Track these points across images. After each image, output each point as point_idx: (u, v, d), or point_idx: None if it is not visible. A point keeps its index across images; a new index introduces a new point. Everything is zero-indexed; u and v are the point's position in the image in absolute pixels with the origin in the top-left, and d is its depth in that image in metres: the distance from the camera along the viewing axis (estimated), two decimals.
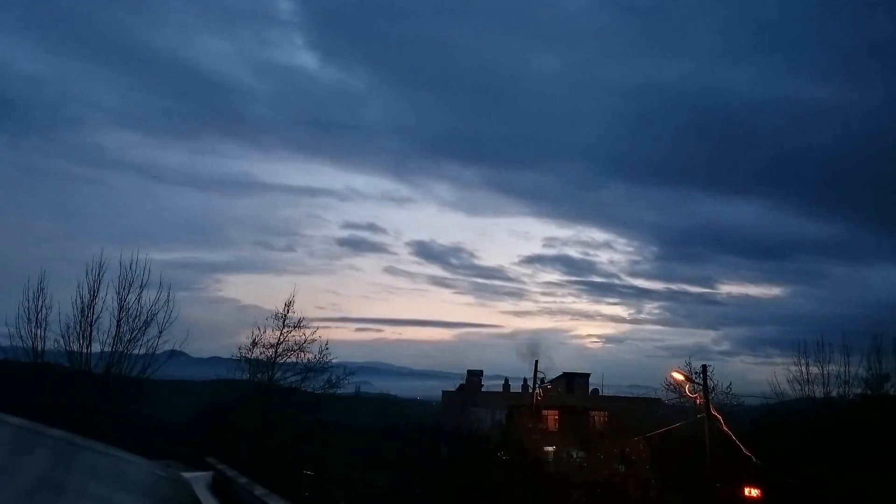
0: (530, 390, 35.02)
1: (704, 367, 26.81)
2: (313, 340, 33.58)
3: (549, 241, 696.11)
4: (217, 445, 27.86)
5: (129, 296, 26.81)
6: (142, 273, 27.28)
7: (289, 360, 33.78)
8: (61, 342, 25.75)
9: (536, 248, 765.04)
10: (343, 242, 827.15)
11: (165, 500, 6.17)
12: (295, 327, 33.62)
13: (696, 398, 27.06)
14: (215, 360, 46.18)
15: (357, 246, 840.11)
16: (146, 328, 26.78)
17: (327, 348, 33.97)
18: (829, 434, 29.04)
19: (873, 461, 26.46)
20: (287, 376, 34.27)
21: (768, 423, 34.03)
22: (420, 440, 40.26)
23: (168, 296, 27.53)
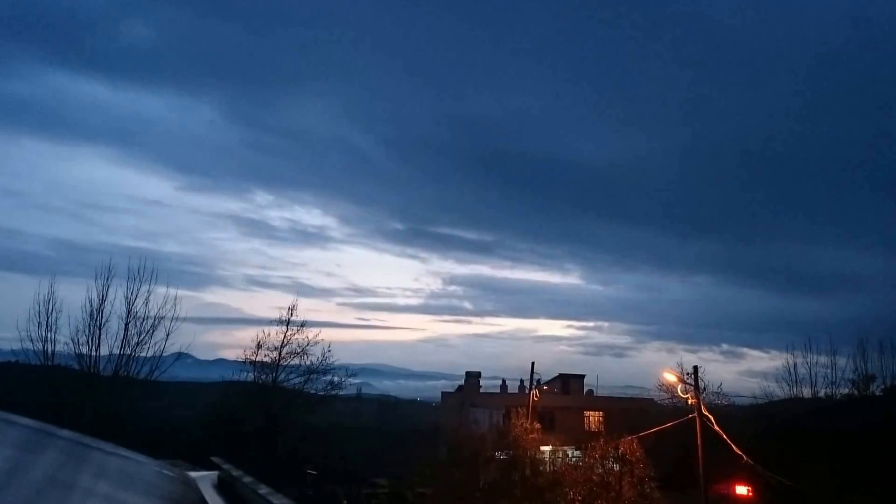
0: (527, 391, 35.58)
1: (696, 367, 27.29)
2: (316, 343, 34.37)
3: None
4: (222, 445, 28.57)
5: (137, 300, 27.62)
6: (149, 278, 28.12)
7: (292, 363, 34.53)
8: (71, 345, 26.49)
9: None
10: None
11: (172, 498, 6.23)
12: (298, 329, 34.45)
13: (688, 398, 27.56)
14: (221, 363, 47.06)
15: None
16: (153, 331, 27.53)
17: (329, 350, 34.77)
18: (818, 433, 29.56)
19: (860, 459, 26.98)
20: (291, 378, 35.00)
21: (760, 424, 34.56)
22: (419, 440, 40.85)
23: (175, 299, 28.37)
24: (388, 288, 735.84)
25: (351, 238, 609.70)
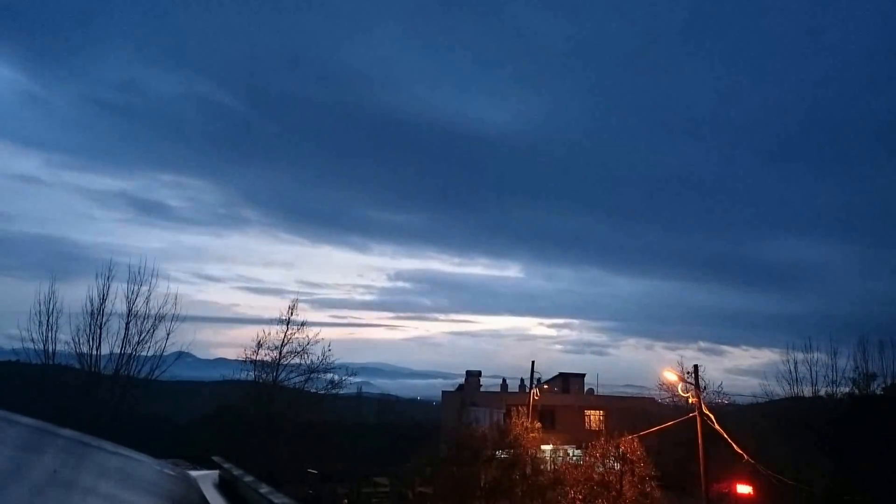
0: (527, 390, 35.61)
1: (696, 366, 27.37)
2: (316, 342, 34.38)
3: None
4: (223, 444, 28.58)
5: (138, 299, 27.61)
6: (150, 277, 28.10)
7: (292, 362, 34.54)
8: (72, 344, 26.48)
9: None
10: None
11: (173, 497, 6.25)
12: (298, 329, 34.44)
13: (688, 397, 27.59)
14: (221, 362, 47.10)
15: None
16: (154, 330, 27.53)
17: (330, 349, 34.77)
18: (819, 432, 29.56)
19: (862, 457, 26.99)
20: (291, 377, 35.00)
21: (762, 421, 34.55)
22: (420, 439, 40.88)
23: (175, 298, 28.36)
24: (339, 284, 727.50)
25: (264, 220, 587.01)
